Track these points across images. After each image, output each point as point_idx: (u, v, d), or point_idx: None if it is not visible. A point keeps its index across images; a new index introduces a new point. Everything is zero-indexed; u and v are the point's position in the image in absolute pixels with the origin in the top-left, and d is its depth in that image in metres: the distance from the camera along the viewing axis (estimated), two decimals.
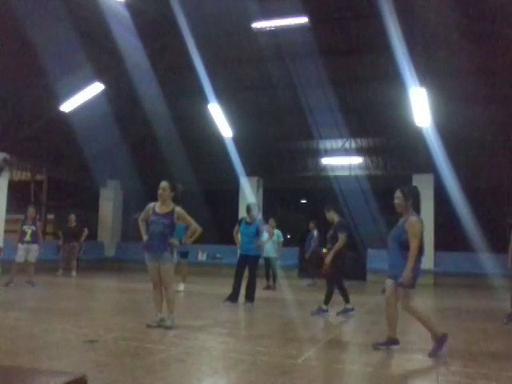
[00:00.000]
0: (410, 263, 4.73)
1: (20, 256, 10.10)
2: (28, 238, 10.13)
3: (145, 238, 5.94)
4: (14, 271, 10.06)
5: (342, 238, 7.25)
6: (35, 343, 4.80)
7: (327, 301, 7.35)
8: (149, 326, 5.76)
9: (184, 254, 9.78)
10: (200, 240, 7.12)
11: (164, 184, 5.87)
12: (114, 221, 18.00)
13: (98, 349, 4.16)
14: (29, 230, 10.17)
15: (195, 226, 6.03)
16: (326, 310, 7.35)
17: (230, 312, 7.84)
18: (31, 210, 10.61)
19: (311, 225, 13.14)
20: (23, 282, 10.02)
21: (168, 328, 5.68)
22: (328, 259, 7.24)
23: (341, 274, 7.55)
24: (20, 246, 10.11)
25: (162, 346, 4.92)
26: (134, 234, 11.16)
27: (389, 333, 5.05)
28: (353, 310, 7.47)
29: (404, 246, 4.84)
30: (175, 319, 5.83)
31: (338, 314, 7.38)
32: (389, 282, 5.03)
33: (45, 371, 3.25)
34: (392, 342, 5.03)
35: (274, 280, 11.62)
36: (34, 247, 10.21)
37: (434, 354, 4.74)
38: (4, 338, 4.92)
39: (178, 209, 5.90)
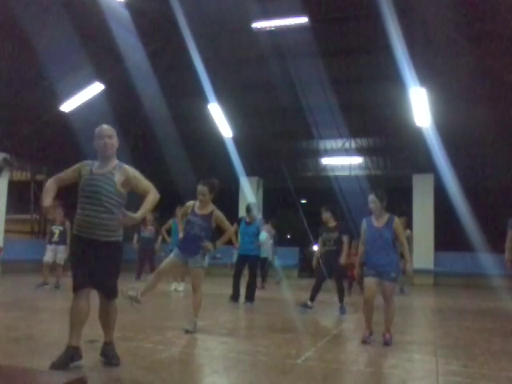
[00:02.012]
0: (409, 257, 5.49)
1: (49, 256, 9.84)
2: (56, 238, 9.91)
3: (181, 235, 5.89)
4: (46, 273, 9.77)
5: (346, 240, 7.59)
6: (35, 343, 4.80)
7: (341, 298, 7.62)
8: (187, 332, 5.43)
9: None
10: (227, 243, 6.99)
11: (203, 189, 5.66)
12: None
13: (98, 349, 4.15)
14: (56, 230, 9.95)
15: (232, 232, 6.02)
16: (345, 308, 7.57)
17: (230, 312, 7.84)
18: (59, 211, 10.53)
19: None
20: (33, 283, 9.93)
21: (187, 332, 5.43)
22: (343, 261, 7.52)
23: (324, 273, 7.68)
24: (48, 246, 9.92)
25: (162, 345, 4.91)
26: (134, 234, 11.20)
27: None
28: (311, 308, 7.60)
29: (392, 245, 5.31)
30: (197, 325, 5.59)
31: (298, 305, 7.70)
32: (377, 281, 5.27)
33: (45, 371, 3.25)
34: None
35: (263, 279, 11.67)
36: (61, 248, 9.90)
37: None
38: (4, 338, 4.92)
39: (218, 212, 5.76)
